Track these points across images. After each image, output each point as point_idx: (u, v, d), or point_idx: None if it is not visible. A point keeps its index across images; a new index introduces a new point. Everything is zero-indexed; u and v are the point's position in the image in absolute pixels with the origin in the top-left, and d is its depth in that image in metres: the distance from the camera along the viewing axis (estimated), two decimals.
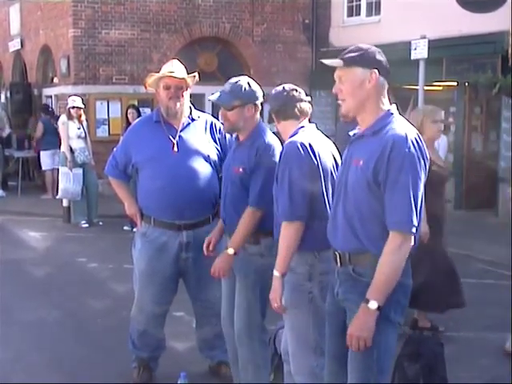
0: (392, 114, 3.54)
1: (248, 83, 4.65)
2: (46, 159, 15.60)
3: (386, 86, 3.59)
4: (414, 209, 3.37)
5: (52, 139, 15.19)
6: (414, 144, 3.39)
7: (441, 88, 14.85)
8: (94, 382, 5.54)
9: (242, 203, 4.59)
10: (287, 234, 4.04)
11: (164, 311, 5.43)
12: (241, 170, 4.60)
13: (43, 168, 15.79)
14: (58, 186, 15.20)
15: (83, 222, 12.62)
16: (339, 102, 3.65)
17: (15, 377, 5.65)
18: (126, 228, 11.88)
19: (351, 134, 3.75)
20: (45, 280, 8.80)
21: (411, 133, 3.43)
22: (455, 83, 14.09)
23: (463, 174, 14.27)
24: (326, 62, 3.63)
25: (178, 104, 5.14)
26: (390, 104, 3.61)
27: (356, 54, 3.55)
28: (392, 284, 3.40)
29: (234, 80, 4.67)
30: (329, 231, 3.74)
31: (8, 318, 7.06)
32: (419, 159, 3.39)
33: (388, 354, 3.59)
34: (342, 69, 3.57)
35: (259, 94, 4.69)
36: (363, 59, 3.53)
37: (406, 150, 3.36)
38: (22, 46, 19.37)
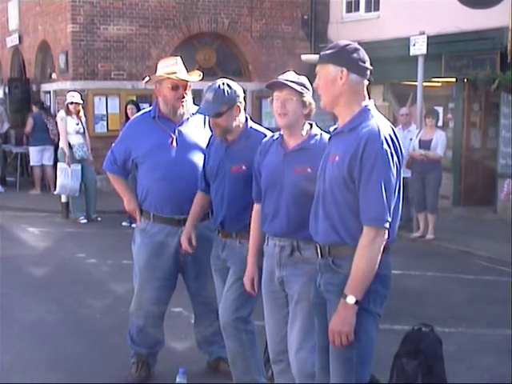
0: (369, 110, 3.60)
1: (228, 85, 4.66)
2: (33, 155, 15.67)
3: (364, 83, 3.64)
4: (385, 204, 3.44)
5: (41, 135, 15.32)
6: (387, 140, 3.46)
7: (440, 84, 14.85)
8: (93, 380, 5.53)
9: (244, 201, 4.62)
10: None
11: (162, 311, 5.43)
12: (243, 167, 4.61)
13: (31, 164, 15.89)
14: (46, 181, 15.44)
15: (82, 217, 12.61)
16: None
17: (15, 376, 5.63)
18: (124, 224, 11.90)
19: (331, 129, 3.83)
20: (43, 276, 8.79)
21: (385, 129, 3.51)
22: (454, 79, 14.08)
23: (462, 170, 14.27)
24: (304, 57, 3.70)
25: (185, 104, 5.17)
26: (369, 99, 3.68)
27: (331, 51, 3.62)
28: (369, 278, 3.47)
29: (213, 87, 4.66)
30: (310, 225, 3.80)
31: (7, 315, 7.05)
32: (392, 155, 3.47)
33: (368, 344, 3.63)
34: (319, 65, 3.66)
35: (240, 92, 4.73)
36: (336, 57, 3.59)
37: (379, 146, 3.44)
38: (20, 41, 19.34)
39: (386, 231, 3.48)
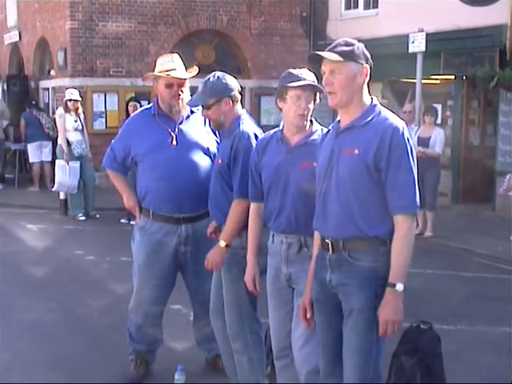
0: (376, 105, 3.71)
1: (218, 77, 4.65)
2: (31, 152, 15.71)
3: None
4: (417, 192, 3.59)
5: (35, 131, 15.38)
6: (407, 133, 3.62)
7: (438, 81, 14.84)
8: (92, 379, 5.51)
9: (220, 195, 4.66)
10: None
11: (161, 309, 5.43)
12: (220, 161, 4.65)
13: (30, 160, 15.95)
14: (43, 178, 15.43)
15: (80, 214, 12.61)
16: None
17: (13, 376, 5.59)
18: (123, 221, 11.90)
19: (330, 127, 3.89)
20: (42, 273, 8.76)
21: (402, 123, 3.65)
22: (453, 77, 14.07)
23: (460, 167, 14.26)
24: (324, 54, 3.68)
25: (181, 101, 5.15)
26: (370, 96, 3.76)
27: (350, 48, 3.65)
28: (409, 264, 3.61)
29: (205, 79, 4.67)
30: (317, 220, 3.82)
31: (5, 313, 7.03)
32: (412, 146, 3.63)
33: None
34: (336, 62, 3.63)
35: (233, 85, 4.69)
36: (356, 54, 3.65)
37: (406, 137, 3.59)
38: (19, 38, 19.30)
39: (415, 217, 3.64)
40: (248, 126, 4.66)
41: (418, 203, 3.59)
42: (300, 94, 4.13)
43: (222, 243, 4.63)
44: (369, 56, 3.70)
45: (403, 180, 3.55)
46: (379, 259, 3.59)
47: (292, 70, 4.23)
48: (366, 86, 3.70)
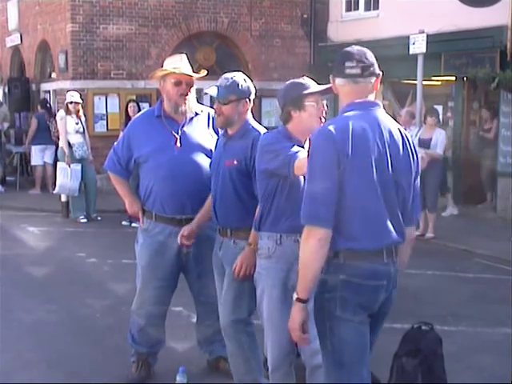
0: (349, 107, 3.52)
1: (244, 79, 4.72)
2: (35, 154, 15.71)
3: (354, 83, 3.52)
4: (313, 203, 3.37)
5: (43, 135, 15.34)
6: (322, 137, 3.40)
7: (439, 83, 14.86)
8: (93, 379, 5.53)
9: (233, 197, 4.65)
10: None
11: (163, 311, 5.44)
12: (235, 162, 4.63)
13: (32, 163, 15.96)
14: (45, 181, 15.42)
15: (82, 217, 12.62)
16: None
17: (14, 376, 5.61)
18: (124, 223, 11.90)
19: None
20: (43, 275, 8.78)
21: (333, 124, 3.42)
22: (453, 78, 14.09)
23: (461, 169, 14.27)
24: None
25: (187, 101, 5.17)
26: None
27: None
28: (305, 276, 3.40)
29: (229, 75, 4.72)
30: None
31: (7, 315, 7.05)
32: (331, 153, 3.34)
33: (344, 349, 3.54)
34: None
35: (253, 90, 4.78)
36: (334, 67, 3.62)
37: (313, 144, 3.43)
38: (20, 41, 19.32)
39: (322, 231, 3.35)
40: (262, 129, 4.74)
41: (316, 216, 3.34)
42: (319, 99, 4.24)
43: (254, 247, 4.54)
44: (338, 62, 3.55)
45: (305, 189, 3.44)
46: (328, 270, 3.46)
47: (299, 80, 4.30)
48: (345, 91, 3.55)
